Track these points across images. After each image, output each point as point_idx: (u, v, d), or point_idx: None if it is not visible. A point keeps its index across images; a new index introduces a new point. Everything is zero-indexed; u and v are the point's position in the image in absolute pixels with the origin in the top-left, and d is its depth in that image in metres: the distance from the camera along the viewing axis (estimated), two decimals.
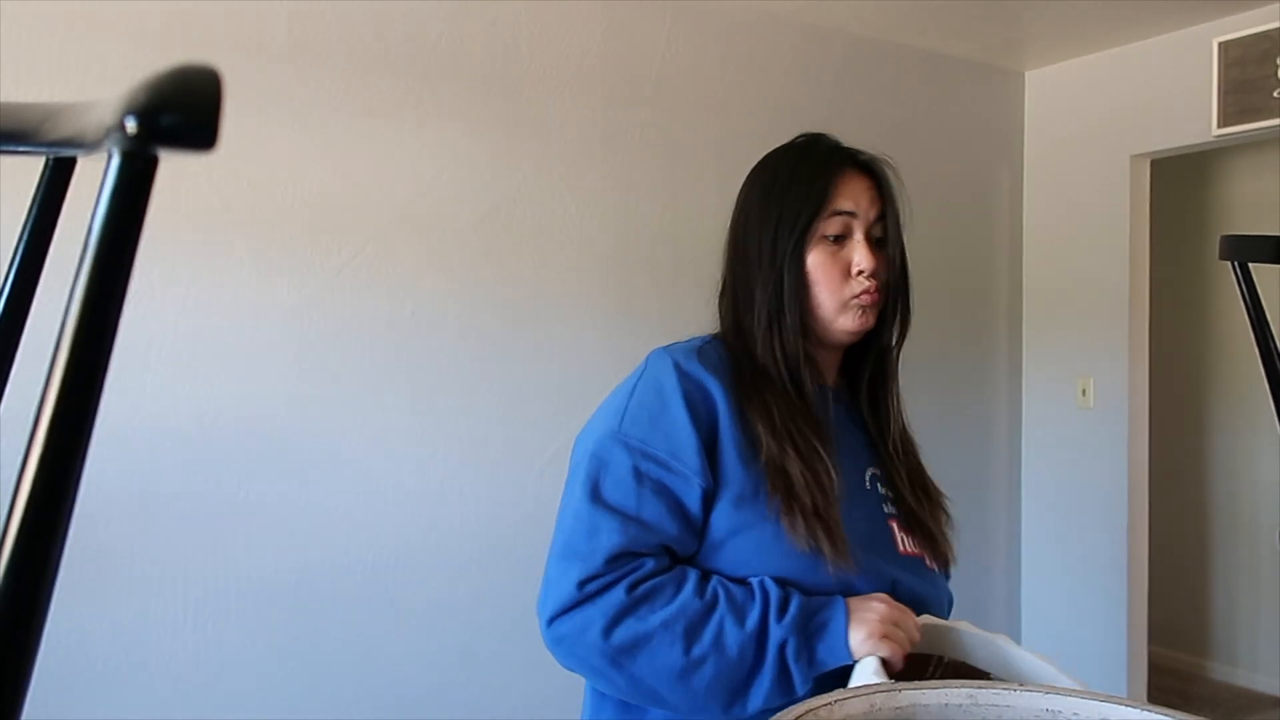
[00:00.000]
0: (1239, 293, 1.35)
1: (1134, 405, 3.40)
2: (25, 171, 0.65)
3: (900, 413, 1.23)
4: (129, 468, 2.14)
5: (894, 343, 1.19)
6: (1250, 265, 1.35)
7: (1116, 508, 3.40)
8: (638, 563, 1.00)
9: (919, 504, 1.20)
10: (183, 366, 2.20)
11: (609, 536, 1.01)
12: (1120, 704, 0.76)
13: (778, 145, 1.21)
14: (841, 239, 1.11)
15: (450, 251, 2.51)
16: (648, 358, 1.12)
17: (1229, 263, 1.35)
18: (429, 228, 2.49)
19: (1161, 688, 3.95)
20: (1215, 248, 1.42)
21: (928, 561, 1.17)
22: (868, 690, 0.80)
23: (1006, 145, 3.64)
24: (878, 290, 1.12)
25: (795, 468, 1.05)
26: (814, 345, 1.15)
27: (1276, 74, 2.93)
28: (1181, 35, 3.21)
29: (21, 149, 0.45)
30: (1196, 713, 0.78)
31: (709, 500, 1.04)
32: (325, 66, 2.36)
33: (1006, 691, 0.79)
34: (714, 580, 1.02)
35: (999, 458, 3.63)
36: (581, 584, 1.00)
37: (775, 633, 0.99)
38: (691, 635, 0.98)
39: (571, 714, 1.24)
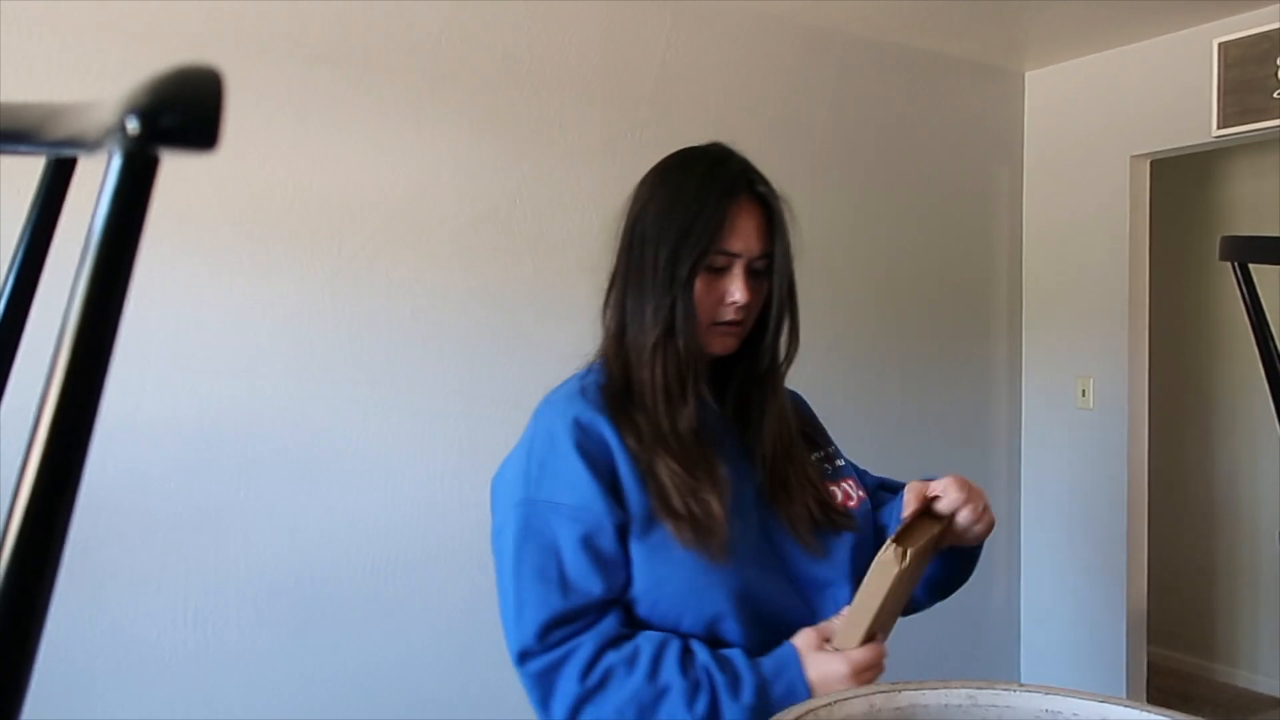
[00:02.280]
0: (1239, 293, 1.35)
1: (1134, 405, 3.40)
2: (25, 171, 0.65)
3: (786, 422, 1.24)
4: (129, 467, 2.14)
5: (779, 366, 1.24)
6: (1250, 265, 1.35)
7: (1116, 507, 3.40)
8: (575, 642, 1.04)
9: (801, 493, 1.19)
10: (183, 366, 2.20)
11: (535, 611, 1.05)
12: (1120, 704, 0.76)
13: (690, 147, 1.28)
14: (722, 270, 1.15)
15: (450, 252, 2.51)
16: (536, 411, 1.17)
17: (1229, 263, 1.35)
18: (429, 228, 2.49)
19: (1161, 688, 3.95)
20: (1215, 248, 1.42)
21: (819, 541, 1.18)
22: (868, 691, 0.80)
23: (1006, 145, 3.64)
24: (743, 320, 1.17)
25: (666, 473, 1.08)
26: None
27: (1276, 74, 2.93)
28: (1181, 35, 3.21)
29: (21, 149, 0.45)
30: (1196, 713, 0.78)
31: (625, 533, 1.08)
32: (325, 66, 2.36)
33: (1006, 692, 0.79)
34: (669, 658, 1.03)
35: (999, 458, 3.63)
36: (521, 657, 1.06)
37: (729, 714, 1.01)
38: (645, 716, 1.02)
39: None
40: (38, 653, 0.33)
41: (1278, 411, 1.25)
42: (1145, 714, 0.75)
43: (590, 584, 1.05)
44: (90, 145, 0.36)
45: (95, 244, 0.33)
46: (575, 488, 1.07)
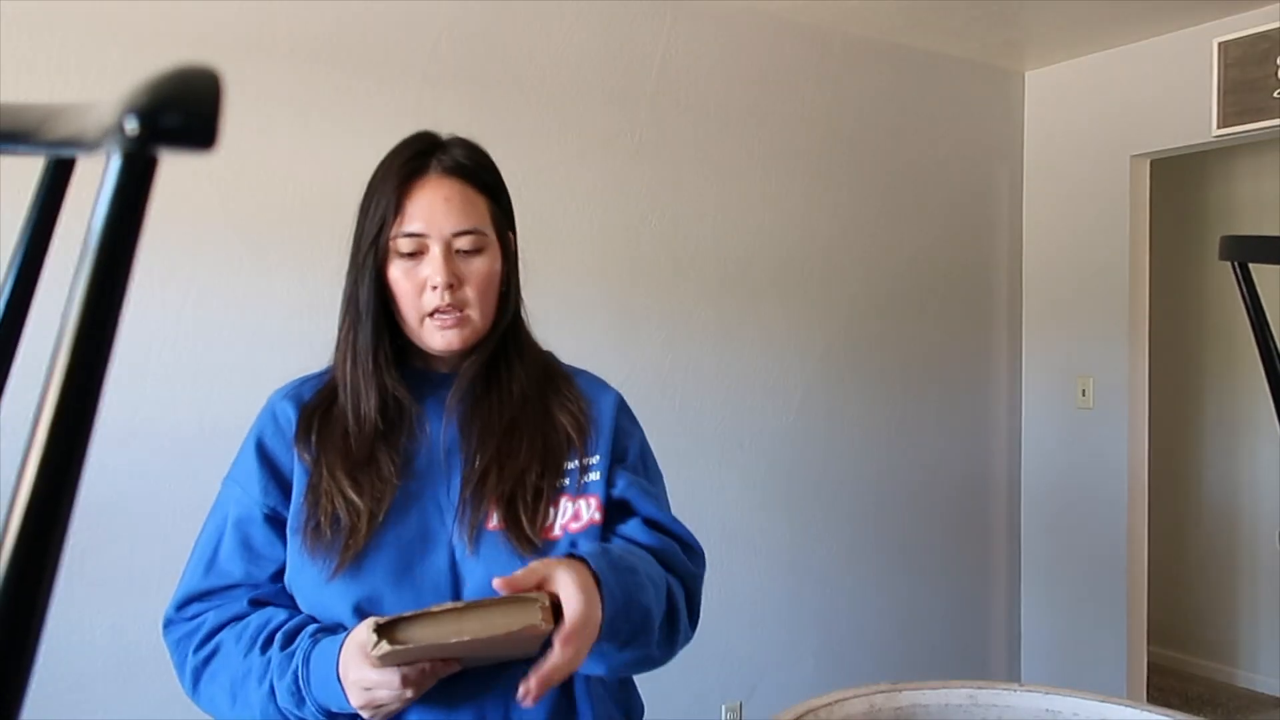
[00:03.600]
0: (1239, 293, 1.35)
1: (1134, 405, 3.40)
2: (25, 171, 0.65)
3: (506, 419, 1.11)
4: (129, 468, 2.14)
5: (501, 351, 1.14)
6: (1250, 265, 1.35)
7: (1116, 508, 3.40)
8: (203, 618, 1.07)
9: (487, 504, 1.06)
10: (183, 366, 2.20)
11: (185, 583, 1.10)
12: (1120, 704, 0.76)
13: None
14: (417, 255, 1.07)
15: None
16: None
17: (1229, 263, 1.35)
18: None
19: (1161, 688, 3.95)
20: (1215, 248, 1.42)
21: (497, 554, 1.05)
22: (868, 690, 0.80)
23: (1006, 145, 3.64)
24: (463, 307, 1.07)
25: (323, 476, 1.06)
26: (420, 357, 1.13)
27: (1276, 74, 2.93)
28: (1181, 35, 3.21)
29: (21, 149, 0.45)
30: (1196, 713, 0.78)
31: (280, 524, 1.07)
32: (325, 66, 2.36)
33: (1006, 692, 0.79)
34: (261, 638, 1.03)
35: (999, 458, 3.63)
36: (165, 624, 1.12)
37: (279, 683, 1.00)
38: (236, 693, 1.03)
39: None
40: (37, 654, 0.33)
41: (1278, 411, 1.25)
42: (1145, 714, 0.75)
43: (232, 566, 1.08)
44: (89, 145, 0.36)
45: (94, 244, 0.33)
46: (246, 472, 1.10)
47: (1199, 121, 3.15)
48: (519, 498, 1.06)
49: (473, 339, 1.09)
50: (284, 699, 0.99)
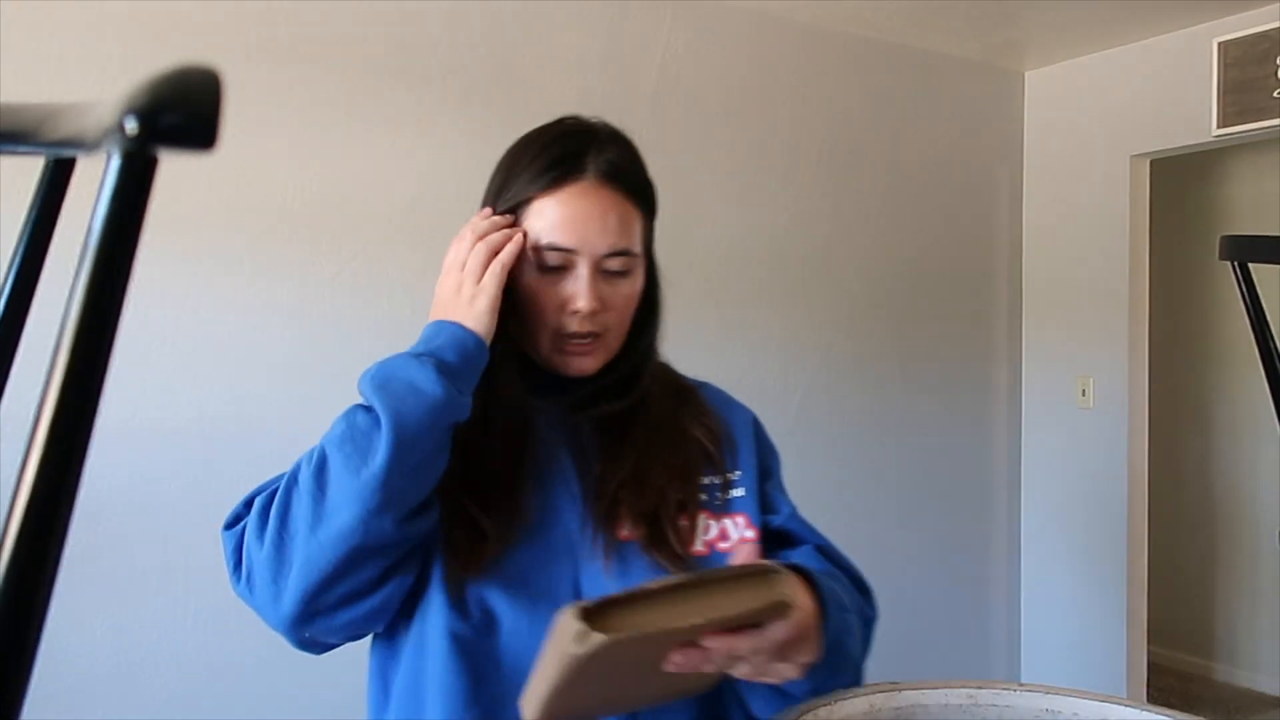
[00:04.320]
0: (1239, 293, 1.35)
1: (1134, 405, 3.40)
2: (25, 171, 0.65)
3: (648, 446, 1.00)
4: (129, 468, 2.14)
5: (638, 378, 1.03)
6: (1250, 265, 1.35)
7: (1116, 507, 3.40)
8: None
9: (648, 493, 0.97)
10: (183, 366, 2.20)
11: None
12: (1120, 704, 0.76)
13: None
14: (560, 270, 0.95)
15: None
16: None
17: (1229, 263, 1.35)
18: (429, 229, 2.49)
19: (1161, 688, 3.95)
20: (1215, 248, 1.42)
21: (655, 557, 0.95)
22: (868, 690, 0.80)
23: (1006, 145, 3.64)
24: (602, 334, 0.97)
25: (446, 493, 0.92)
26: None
27: (1276, 74, 2.93)
28: (1181, 35, 3.21)
29: (21, 149, 0.45)
30: (1196, 713, 0.78)
31: None
32: (325, 67, 2.36)
33: (1006, 691, 0.79)
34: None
35: (999, 458, 3.63)
36: (232, 519, 1.03)
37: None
38: (318, 498, 0.88)
39: None
40: (38, 654, 0.33)
41: (1278, 411, 1.25)
42: (1145, 714, 0.75)
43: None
44: (89, 145, 0.36)
45: (94, 244, 0.33)
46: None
47: (1199, 121, 3.15)
48: (660, 512, 0.96)
49: (605, 361, 0.99)
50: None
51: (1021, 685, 0.79)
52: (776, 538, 1.02)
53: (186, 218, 2.20)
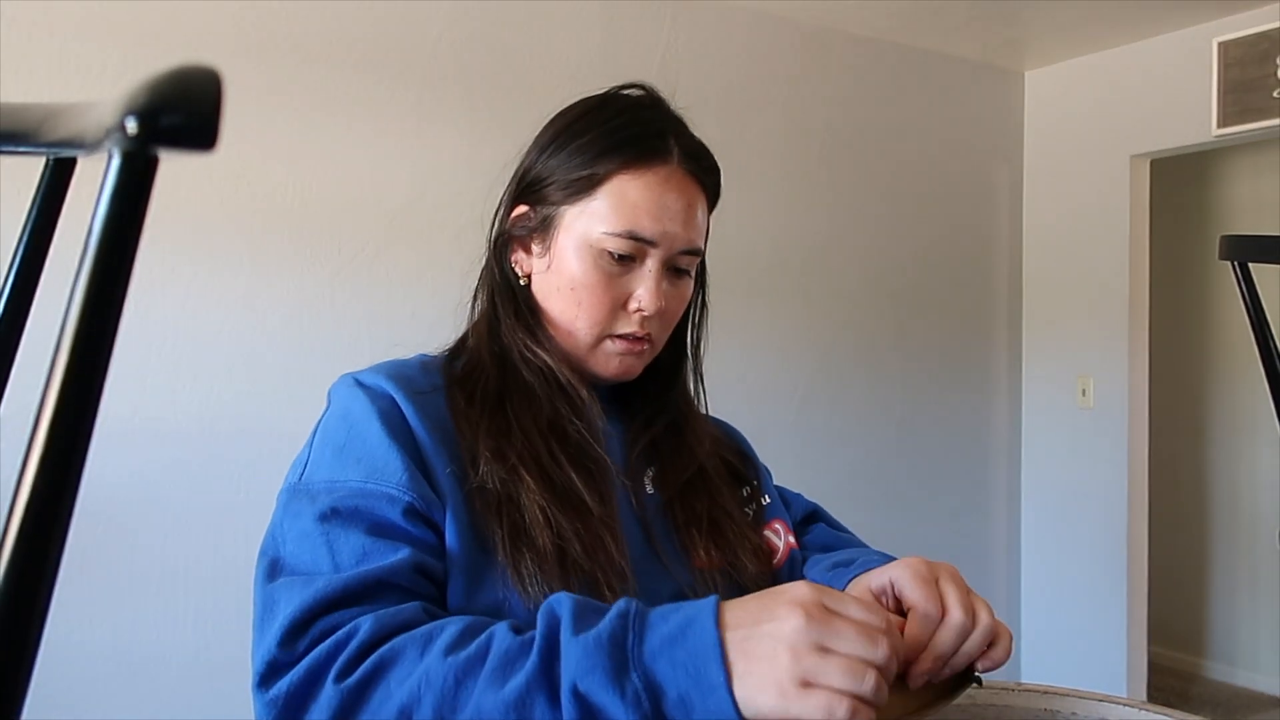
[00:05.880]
0: (1239, 293, 1.35)
1: (1134, 405, 3.40)
2: (25, 171, 0.65)
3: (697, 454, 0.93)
4: (129, 468, 2.14)
5: (687, 385, 0.96)
6: (1250, 265, 1.35)
7: (1116, 507, 3.40)
8: (336, 635, 0.67)
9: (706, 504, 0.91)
10: (182, 366, 2.20)
11: (285, 604, 0.69)
12: (1119, 704, 0.76)
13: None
14: (627, 261, 0.84)
15: (450, 253, 2.51)
16: (329, 393, 0.89)
17: (1229, 263, 1.35)
18: (429, 229, 2.49)
19: (1161, 688, 3.95)
20: (1215, 248, 1.42)
21: (728, 572, 0.87)
22: None
23: (1006, 145, 3.65)
24: (654, 339, 0.87)
25: (533, 499, 0.78)
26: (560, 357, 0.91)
27: (1276, 74, 2.93)
28: (1181, 35, 3.21)
29: (21, 149, 0.45)
30: (1196, 713, 0.78)
31: (427, 519, 0.76)
32: (325, 67, 2.36)
33: (1006, 691, 0.79)
34: (465, 624, 0.68)
35: (999, 458, 3.63)
36: (263, 679, 0.68)
37: (566, 667, 0.61)
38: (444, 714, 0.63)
39: None
40: (38, 654, 0.33)
41: (1278, 411, 1.25)
42: (1145, 713, 0.75)
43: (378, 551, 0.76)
44: (89, 145, 0.36)
45: (94, 244, 0.33)
46: (365, 460, 0.80)
47: (1199, 121, 3.15)
48: (730, 535, 0.88)
49: (646, 364, 0.90)
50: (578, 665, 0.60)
51: (1021, 685, 0.79)
52: (805, 522, 1.02)
53: (187, 217, 2.20)
